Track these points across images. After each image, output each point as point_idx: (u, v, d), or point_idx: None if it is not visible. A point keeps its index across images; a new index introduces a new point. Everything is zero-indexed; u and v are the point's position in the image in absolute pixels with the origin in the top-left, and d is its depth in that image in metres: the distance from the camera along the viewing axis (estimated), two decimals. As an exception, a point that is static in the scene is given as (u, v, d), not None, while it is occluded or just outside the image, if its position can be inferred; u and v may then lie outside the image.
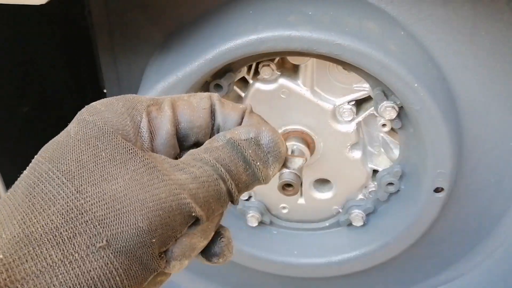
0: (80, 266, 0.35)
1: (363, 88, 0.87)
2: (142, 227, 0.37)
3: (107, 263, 0.36)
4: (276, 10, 0.80)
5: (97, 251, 0.35)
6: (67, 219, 0.36)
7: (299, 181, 0.85)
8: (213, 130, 0.47)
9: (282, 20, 0.77)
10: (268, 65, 0.86)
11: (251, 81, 0.90)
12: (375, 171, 0.97)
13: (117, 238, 0.36)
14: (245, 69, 0.88)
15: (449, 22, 0.80)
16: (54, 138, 0.43)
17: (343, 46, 0.74)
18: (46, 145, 0.42)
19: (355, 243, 1.00)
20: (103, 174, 0.39)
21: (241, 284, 1.15)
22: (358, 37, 0.75)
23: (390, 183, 0.93)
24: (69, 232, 0.36)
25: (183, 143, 0.47)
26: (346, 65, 0.81)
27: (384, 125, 0.88)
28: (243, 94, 0.92)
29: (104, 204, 0.37)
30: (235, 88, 0.91)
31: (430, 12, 0.80)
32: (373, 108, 0.86)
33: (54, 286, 0.34)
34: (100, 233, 0.36)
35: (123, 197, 0.38)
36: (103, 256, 0.35)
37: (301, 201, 1.03)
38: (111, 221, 0.37)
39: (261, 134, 0.45)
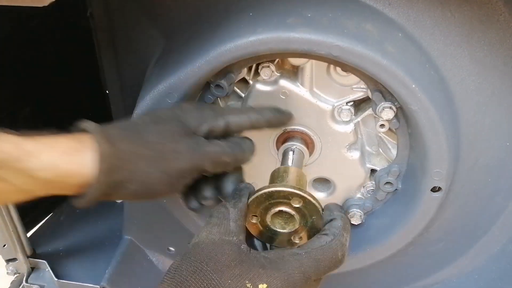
0: None
1: (362, 89, 0.88)
2: None
3: None
4: (276, 12, 0.81)
5: None
6: None
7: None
8: None
9: (282, 22, 0.78)
10: (268, 66, 0.87)
11: (251, 82, 0.91)
12: (373, 171, 0.98)
13: None
14: (245, 70, 0.89)
15: (446, 23, 0.81)
16: None
17: (341, 48, 0.75)
18: None
19: (353, 241, 1.00)
20: None
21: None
22: (356, 38, 0.76)
23: (388, 183, 0.94)
24: None
25: None
26: (345, 66, 0.82)
27: (382, 125, 0.89)
28: (243, 95, 0.93)
29: None
30: (236, 88, 0.92)
31: (427, 14, 0.81)
32: (371, 108, 0.87)
33: None
34: None
35: None
36: None
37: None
38: None
39: None
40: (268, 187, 0.74)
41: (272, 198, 0.73)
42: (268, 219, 0.76)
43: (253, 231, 0.77)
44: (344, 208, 1.02)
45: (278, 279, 0.61)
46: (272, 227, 0.76)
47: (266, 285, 0.60)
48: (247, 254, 0.64)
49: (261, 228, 0.76)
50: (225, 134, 0.78)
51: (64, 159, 0.62)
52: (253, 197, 0.74)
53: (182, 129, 0.73)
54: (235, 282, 0.59)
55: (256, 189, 0.77)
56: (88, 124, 0.67)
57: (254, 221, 0.76)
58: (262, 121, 0.79)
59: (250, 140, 0.82)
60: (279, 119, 0.83)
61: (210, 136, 0.76)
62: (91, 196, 0.65)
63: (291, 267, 0.63)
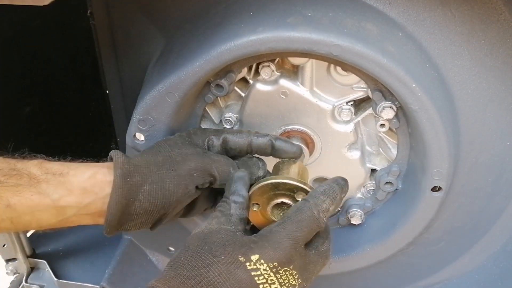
0: None
1: (362, 89, 0.88)
2: None
3: None
4: (276, 11, 0.81)
5: None
6: None
7: None
8: None
9: (282, 21, 0.78)
10: (268, 66, 0.87)
11: (251, 82, 0.91)
12: (373, 170, 0.98)
13: None
14: (245, 69, 0.89)
15: (446, 23, 0.81)
16: None
17: (341, 47, 0.75)
18: None
19: (353, 241, 1.01)
20: None
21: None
22: (356, 38, 0.76)
23: (388, 182, 0.94)
24: None
25: None
26: (345, 66, 0.82)
27: (382, 125, 0.89)
28: (243, 94, 0.93)
29: None
30: (236, 88, 0.92)
31: (427, 13, 0.81)
32: (371, 108, 0.87)
33: None
34: None
35: None
36: None
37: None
38: None
39: None
40: (275, 177, 0.76)
41: (277, 189, 0.75)
42: (269, 209, 0.77)
43: (253, 219, 0.78)
44: (344, 208, 1.02)
45: (269, 248, 0.64)
46: (271, 217, 0.78)
47: (259, 256, 0.63)
48: (240, 237, 0.68)
49: (261, 216, 0.78)
50: (228, 152, 0.85)
51: (98, 170, 0.74)
52: (258, 185, 0.75)
53: (189, 143, 0.82)
54: (228, 258, 0.62)
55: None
56: (112, 151, 0.77)
57: (255, 209, 0.77)
58: (256, 145, 0.83)
59: (262, 161, 0.86)
60: (279, 150, 0.84)
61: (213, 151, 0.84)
62: (113, 203, 0.72)
63: (279, 236, 0.66)
